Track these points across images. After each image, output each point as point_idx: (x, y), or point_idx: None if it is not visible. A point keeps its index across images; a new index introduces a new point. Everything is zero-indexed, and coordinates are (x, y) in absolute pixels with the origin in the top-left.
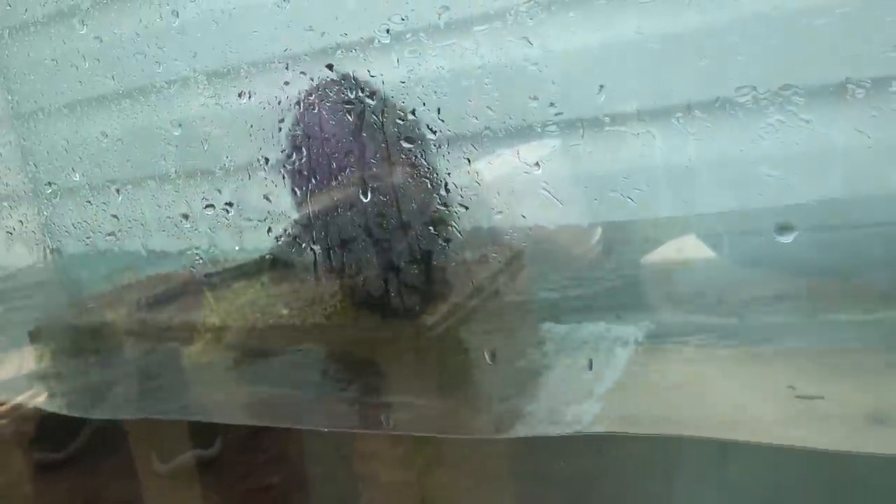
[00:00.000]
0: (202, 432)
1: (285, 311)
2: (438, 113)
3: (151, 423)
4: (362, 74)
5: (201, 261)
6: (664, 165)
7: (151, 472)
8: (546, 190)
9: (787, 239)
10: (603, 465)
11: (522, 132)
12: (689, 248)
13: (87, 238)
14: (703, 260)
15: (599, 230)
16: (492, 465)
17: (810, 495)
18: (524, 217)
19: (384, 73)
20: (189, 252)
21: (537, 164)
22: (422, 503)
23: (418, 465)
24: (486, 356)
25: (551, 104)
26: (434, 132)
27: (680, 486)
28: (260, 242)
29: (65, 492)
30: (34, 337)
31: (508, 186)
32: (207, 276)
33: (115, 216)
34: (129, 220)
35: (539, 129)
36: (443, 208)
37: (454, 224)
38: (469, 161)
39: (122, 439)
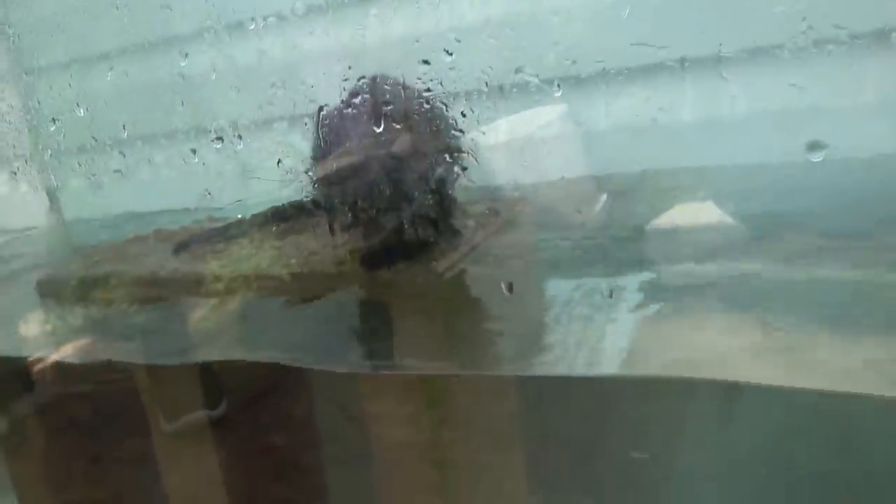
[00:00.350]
0: (208, 392)
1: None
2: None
3: (157, 381)
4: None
5: (209, 195)
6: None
7: (158, 431)
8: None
9: (817, 157)
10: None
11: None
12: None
13: (93, 176)
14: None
15: (605, 195)
16: (505, 424)
17: None
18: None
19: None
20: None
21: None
22: (428, 462)
23: (426, 424)
24: (504, 287)
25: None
26: (450, 53)
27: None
28: (270, 178)
29: (74, 447)
30: (41, 289)
31: (519, 142)
32: (216, 230)
33: (121, 152)
34: (136, 156)
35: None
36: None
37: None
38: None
39: (127, 398)
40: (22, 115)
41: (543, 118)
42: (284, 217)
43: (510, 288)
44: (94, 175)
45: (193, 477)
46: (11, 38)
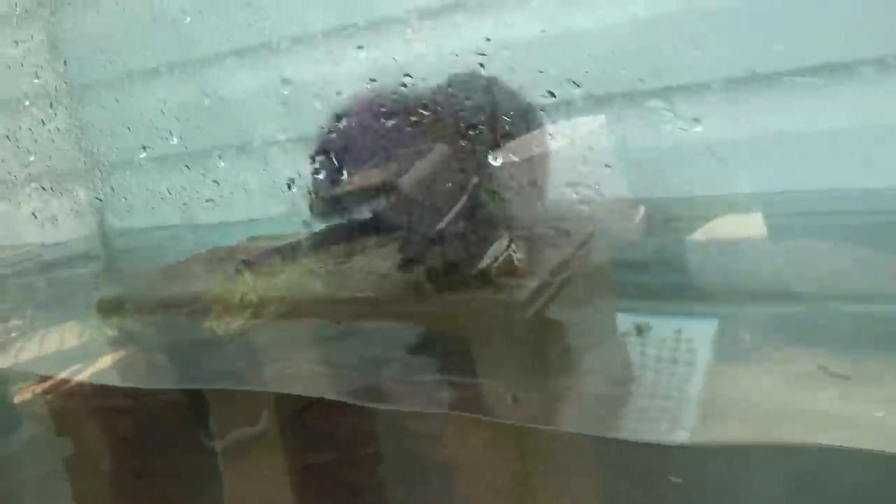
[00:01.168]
0: (248, 409)
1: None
2: None
3: (196, 398)
4: None
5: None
6: None
7: (201, 448)
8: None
9: None
10: None
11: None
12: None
13: (184, 205)
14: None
15: (643, 208)
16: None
17: None
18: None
19: None
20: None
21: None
22: (477, 485)
23: (475, 447)
24: None
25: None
26: (578, 85)
27: None
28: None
29: (116, 465)
30: (100, 309)
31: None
32: (279, 248)
33: (215, 181)
34: (232, 186)
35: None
36: None
37: None
38: None
39: (169, 415)
40: (109, 140)
41: (583, 129)
42: (352, 235)
43: None
44: (185, 203)
45: (237, 493)
46: (103, 65)
